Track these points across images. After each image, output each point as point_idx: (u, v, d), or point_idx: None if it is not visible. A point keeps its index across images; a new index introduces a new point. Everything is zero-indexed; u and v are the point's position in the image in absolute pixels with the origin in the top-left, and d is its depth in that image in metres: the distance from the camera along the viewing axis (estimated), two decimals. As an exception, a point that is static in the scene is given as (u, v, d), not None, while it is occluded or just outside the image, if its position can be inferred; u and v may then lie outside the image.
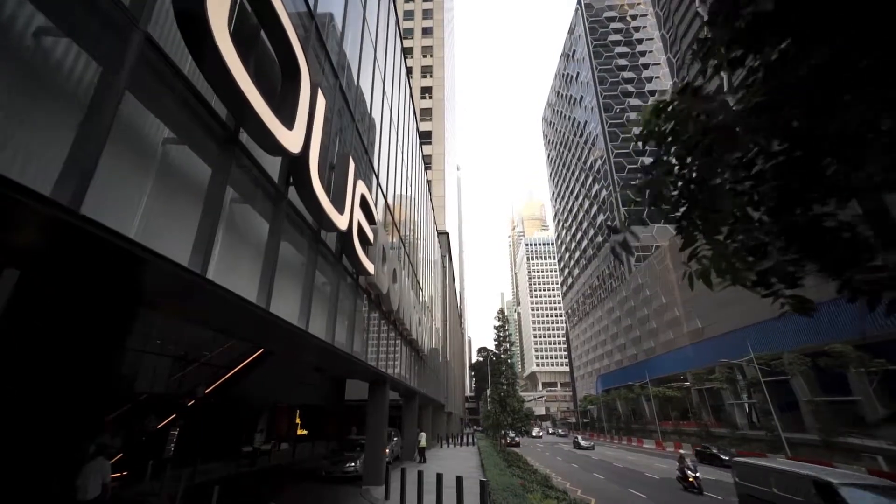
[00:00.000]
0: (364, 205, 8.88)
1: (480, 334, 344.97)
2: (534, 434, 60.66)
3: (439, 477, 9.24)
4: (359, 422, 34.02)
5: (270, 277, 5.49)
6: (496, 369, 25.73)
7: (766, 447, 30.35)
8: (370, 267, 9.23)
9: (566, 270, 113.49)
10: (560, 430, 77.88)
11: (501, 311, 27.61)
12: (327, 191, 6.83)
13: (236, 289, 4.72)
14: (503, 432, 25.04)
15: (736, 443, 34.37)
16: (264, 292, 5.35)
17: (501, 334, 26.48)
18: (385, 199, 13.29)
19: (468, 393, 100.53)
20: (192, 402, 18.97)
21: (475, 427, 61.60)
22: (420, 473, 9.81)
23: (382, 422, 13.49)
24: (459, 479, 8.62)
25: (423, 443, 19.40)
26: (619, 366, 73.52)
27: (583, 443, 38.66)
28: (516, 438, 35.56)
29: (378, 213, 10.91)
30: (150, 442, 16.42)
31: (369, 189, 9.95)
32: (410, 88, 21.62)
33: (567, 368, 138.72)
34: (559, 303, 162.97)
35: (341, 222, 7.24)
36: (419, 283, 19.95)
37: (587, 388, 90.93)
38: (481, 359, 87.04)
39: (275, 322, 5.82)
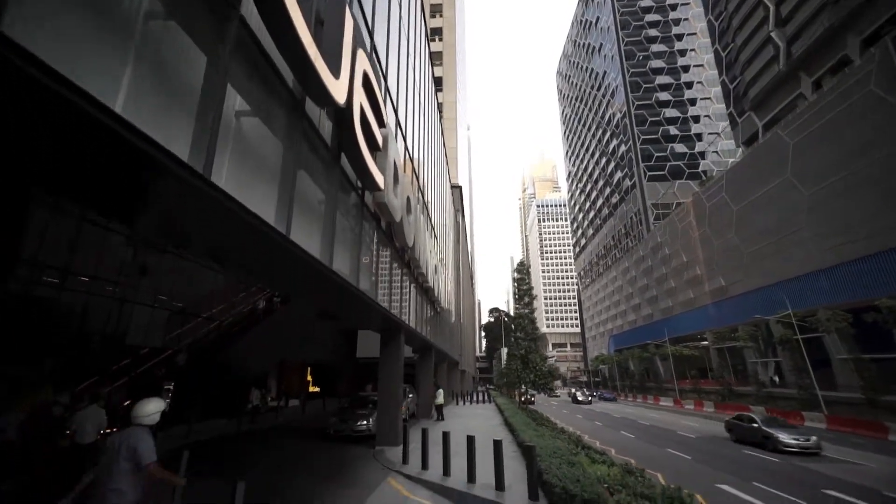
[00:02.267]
0: (368, 88, 6.60)
1: (490, 297, 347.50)
2: (554, 394, 57.24)
3: (470, 440, 7.55)
4: (372, 379, 33.35)
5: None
6: (518, 325, 24.06)
7: (798, 405, 28.88)
8: (378, 177, 7.08)
9: (579, 231, 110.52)
10: (605, 393, 55.38)
11: (522, 264, 25.62)
12: (314, 37, 4.55)
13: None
14: (524, 389, 23.73)
15: (762, 401, 33.03)
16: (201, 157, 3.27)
17: (523, 287, 24.58)
18: (397, 116, 10.93)
19: (479, 353, 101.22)
20: (190, 358, 17.69)
21: (488, 385, 61.41)
22: (446, 435, 8.13)
23: (397, 376, 11.87)
24: (498, 443, 6.88)
25: (440, 400, 18.06)
26: (632, 326, 72.38)
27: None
28: (532, 397, 34.70)
29: (388, 120, 8.63)
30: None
31: (382, 107, 7.60)
32: (422, 4, 18.55)
33: (577, 329, 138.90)
34: (570, 265, 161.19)
35: (337, 89, 5.01)
36: (434, 230, 17.86)
37: (598, 349, 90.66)
38: (493, 319, 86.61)
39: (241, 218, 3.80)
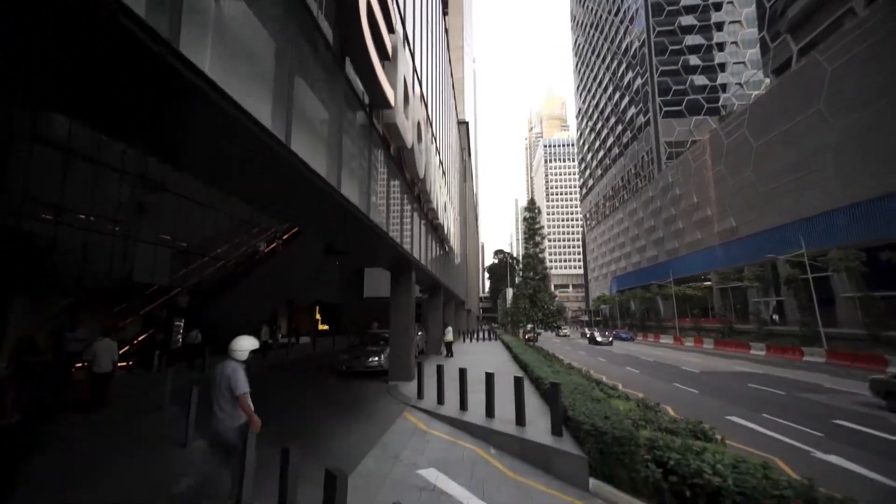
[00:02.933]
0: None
1: (493, 240, 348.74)
2: (562, 333, 50.83)
3: (489, 376, 7.32)
4: (379, 317, 33.97)
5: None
6: (527, 264, 23.76)
7: (799, 342, 29.47)
8: (389, 91, 6.13)
9: (587, 172, 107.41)
10: (621, 333, 51.41)
11: (532, 202, 24.76)
12: None
13: None
14: (530, 327, 24.04)
15: (762, 338, 33.73)
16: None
17: (533, 226, 23.93)
18: (405, 28, 9.53)
19: (482, 294, 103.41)
20: (193, 298, 17.66)
21: (493, 324, 63.17)
22: (462, 371, 7.94)
23: (408, 313, 11.65)
24: (519, 379, 6.64)
25: (449, 337, 18.24)
26: (636, 267, 72.76)
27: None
28: (538, 336, 35.55)
29: (397, 27, 7.41)
30: (157, 334, 15.36)
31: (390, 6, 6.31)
32: None
33: (580, 271, 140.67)
34: (575, 206, 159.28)
35: (337, -38, 3.98)
36: (442, 164, 16.84)
37: (600, 289, 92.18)
38: (497, 261, 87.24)
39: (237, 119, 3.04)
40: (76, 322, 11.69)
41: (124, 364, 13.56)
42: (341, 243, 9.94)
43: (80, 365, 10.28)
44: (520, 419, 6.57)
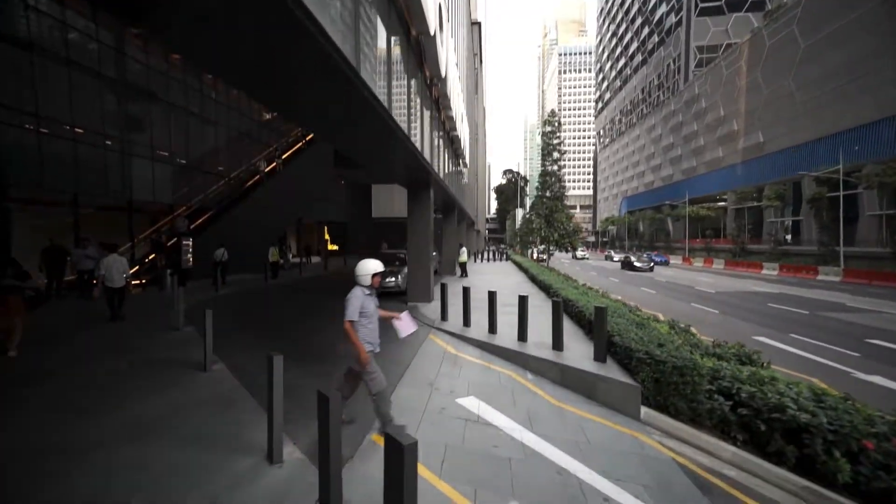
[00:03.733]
0: None
1: (498, 161, 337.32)
2: (579, 255, 47.75)
3: (523, 300, 6.81)
4: (388, 238, 33.70)
5: None
6: (544, 182, 22.46)
7: (813, 261, 29.14)
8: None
9: (604, 84, 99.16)
10: (654, 256, 42.38)
11: (553, 114, 22.60)
12: None
13: None
14: (542, 248, 23.56)
15: (775, 258, 33.43)
16: None
17: (552, 142, 22.12)
18: None
19: (488, 215, 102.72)
20: (191, 222, 17.00)
21: (502, 245, 63.19)
22: (492, 294, 7.42)
23: (426, 232, 10.95)
24: (557, 304, 6.11)
25: (464, 258, 17.85)
26: (648, 188, 70.67)
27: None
28: (543, 256, 35.30)
29: None
30: (168, 252, 15.02)
31: None
32: None
33: (588, 192, 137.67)
34: (588, 124, 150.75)
35: None
36: (458, 65, 14.83)
37: (609, 211, 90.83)
38: (505, 181, 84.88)
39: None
40: (86, 240, 11.26)
41: (137, 282, 13.41)
42: (357, 152, 8.83)
43: (95, 281, 10.25)
44: (557, 344, 6.16)
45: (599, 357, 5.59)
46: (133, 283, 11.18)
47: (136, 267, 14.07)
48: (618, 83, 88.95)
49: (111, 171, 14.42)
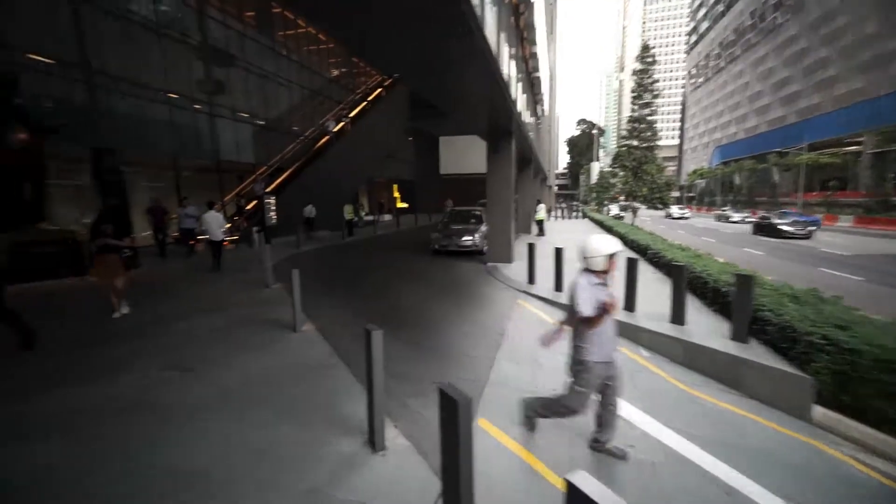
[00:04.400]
0: None
1: (568, 111, 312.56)
2: (676, 214, 39.22)
3: (632, 263, 5.82)
4: (453, 195, 33.06)
5: None
6: (633, 130, 19.82)
7: None
8: None
9: (701, 11, 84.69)
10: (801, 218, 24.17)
11: (646, 48, 19.39)
12: None
13: None
14: (626, 204, 21.30)
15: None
16: None
17: (644, 82, 19.09)
18: None
19: (557, 170, 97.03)
20: (269, 183, 17.58)
21: (574, 202, 59.38)
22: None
23: (508, 187, 10.05)
24: (679, 268, 5.08)
25: (541, 215, 16.65)
26: (749, 133, 60.96)
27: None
28: (622, 213, 32.31)
29: None
30: (251, 213, 15.86)
31: None
32: None
33: (672, 142, 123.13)
34: (676, 63, 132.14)
35: None
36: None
37: (697, 162, 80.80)
38: (579, 132, 78.63)
39: None
40: (186, 199, 12.06)
41: (228, 240, 14.36)
42: (444, 92, 7.94)
43: (197, 237, 11.23)
44: (678, 316, 5.18)
45: (740, 336, 4.54)
46: (227, 238, 11.91)
47: (228, 224, 15.04)
48: (720, 7, 75.44)
49: (202, 134, 15.22)
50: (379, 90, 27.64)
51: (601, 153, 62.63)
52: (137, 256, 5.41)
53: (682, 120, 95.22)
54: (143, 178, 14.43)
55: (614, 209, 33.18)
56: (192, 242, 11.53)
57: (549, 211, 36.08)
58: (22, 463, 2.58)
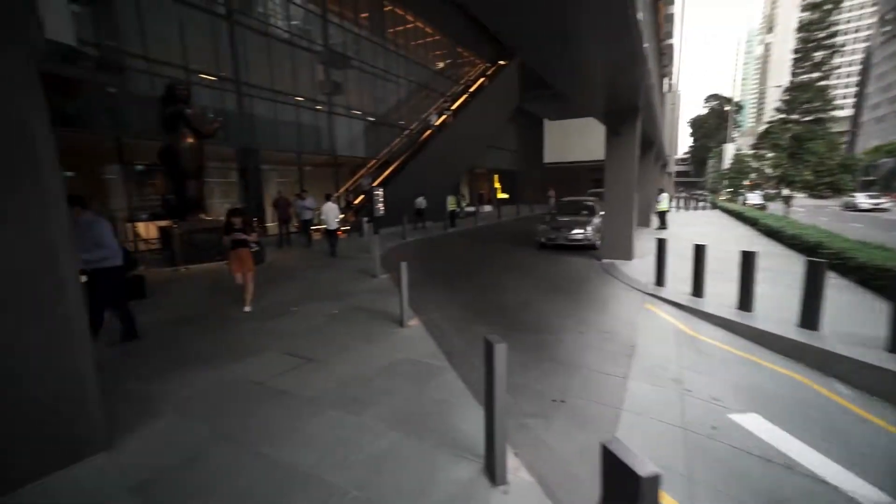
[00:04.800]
0: None
1: (690, 88, 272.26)
2: (864, 206, 25.77)
3: (815, 267, 4.47)
4: (556, 185, 31.21)
5: None
6: (793, 100, 15.98)
7: None
8: None
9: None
10: None
11: (818, -9, 15.28)
12: None
13: None
14: (775, 192, 17.43)
15: None
16: None
17: (817, 36, 15.04)
18: None
19: (677, 155, 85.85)
20: (377, 174, 18.38)
21: (698, 190, 51.79)
22: (749, 255, 5.20)
23: (630, 173, 8.82)
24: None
25: (664, 205, 14.57)
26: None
27: None
28: (763, 203, 26.67)
29: None
30: (361, 205, 16.86)
31: None
32: None
33: (845, 112, 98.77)
34: (842, 16, 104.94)
35: None
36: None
37: (882, 136, 63.62)
38: (708, 110, 68.28)
39: None
40: (305, 192, 13.24)
41: (342, 230, 15.50)
42: (561, 69, 7.17)
43: (316, 226, 12.77)
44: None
45: None
46: (341, 228, 12.84)
47: (342, 215, 16.26)
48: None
49: (322, 132, 16.63)
50: (482, 79, 27.26)
51: (735, 134, 53.30)
52: (264, 251, 5.72)
53: (862, 83, 75.81)
54: (275, 173, 16.33)
55: (754, 198, 27.79)
56: (310, 232, 12.62)
57: (673, 199, 31.95)
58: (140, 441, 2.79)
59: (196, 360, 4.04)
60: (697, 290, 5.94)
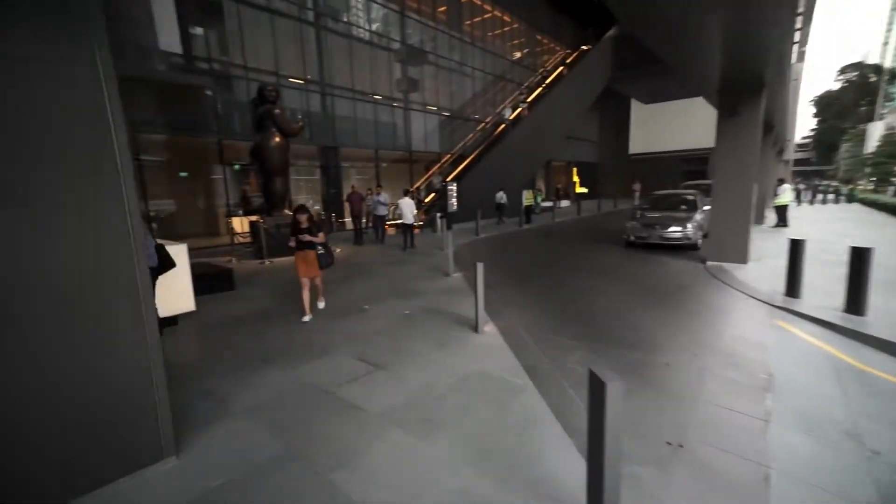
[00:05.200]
0: None
1: (817, 65, 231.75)
2: None
3: None
4: (644, 178, 28.41)
5: None
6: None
7: None
8: None
9: None
10: None
11: None
12: None
13: None
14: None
15: None
16: None
17: None
18: None
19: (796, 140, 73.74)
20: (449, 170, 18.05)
21: (823, 181, 43.82)
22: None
23: (747, 161, 7.36)
24: None
25: (786, 198, 12.26)
26: None
27: None
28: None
29: None
30: (433, 202, 16.76)
31: None
32: None
33: None
34: None
35: None
36: None
37: None
38: (840, 84, 57.62)
39: None
40: (379, 187, 13.43)
41: (417, 225, 15.52)
42: (677, 37, 6.19)
43: (392, 221, 13.47)
44: None
45: None
46: (417, 223, 12.82)
47: (416, 211, 16.33)
48: None
49: (398, 128, 16.84)
50: (561, 68, 25.70)
51: (884, 109, 44.22)
52: (331, 255, 5.25)
53: None
54: (353, 170, 16.89)
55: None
56: (384, 228, 12.70)
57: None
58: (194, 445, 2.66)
59: (267, 360, 4.00)
60: (855, 305, 4.64)
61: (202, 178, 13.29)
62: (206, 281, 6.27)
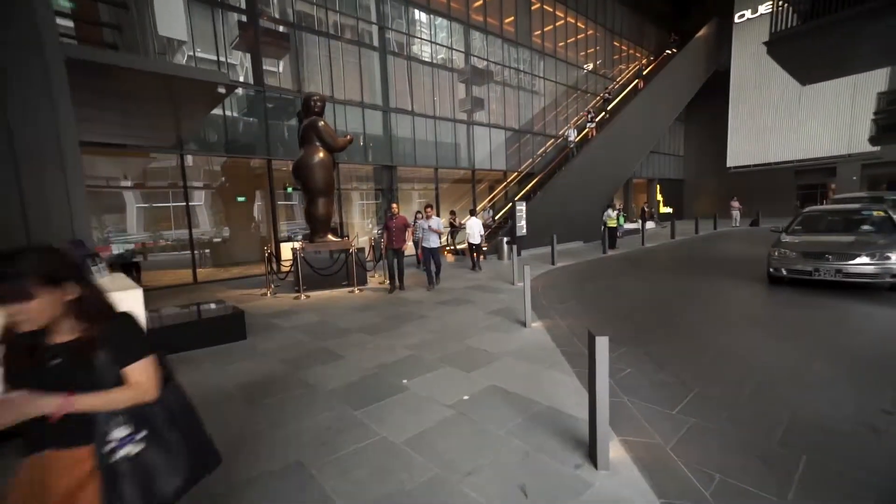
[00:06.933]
0: None
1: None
2: None
3: None
4: (741, 194, 24.04)
5: None
6: None
7: None
8: None
9: None
10: None
11: None
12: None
13: None
14: None
15: None
16: None
17: None
18: None
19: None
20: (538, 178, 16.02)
21: None
22: None
23: None
24: None
25: None
26: None
27: None
28: None
29: None
30: (502, 221, 14.85)
31: None
32: None
33: None
34: None
35: None
36: None
37: None
38: None
39: None
40: (429, 207, 11.92)
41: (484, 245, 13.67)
42: None
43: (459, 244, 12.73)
44: None
45: None
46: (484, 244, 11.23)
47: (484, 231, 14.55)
48: None
49: (460, 147, 15.37)
50: (638, 80, 22.95)
51: None
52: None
53: None
54: (413, 190, 15.60)
55: None
56: (437, 265, 10.81)
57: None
58: None
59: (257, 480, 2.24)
60: None
61: (254, 202, 12.76)
62: (209, 330, 4.85)
